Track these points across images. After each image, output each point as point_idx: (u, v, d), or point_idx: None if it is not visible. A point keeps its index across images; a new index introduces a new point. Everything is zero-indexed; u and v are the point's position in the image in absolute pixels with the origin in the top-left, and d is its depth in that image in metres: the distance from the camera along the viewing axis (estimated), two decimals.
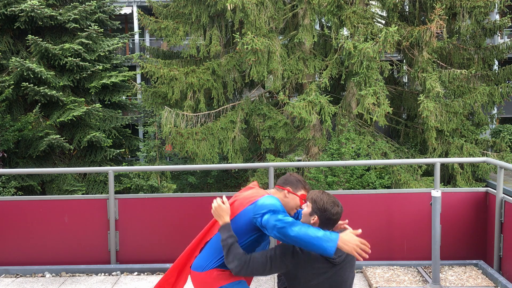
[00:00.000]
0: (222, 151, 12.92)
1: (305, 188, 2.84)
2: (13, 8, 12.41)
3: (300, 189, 2.83)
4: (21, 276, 4.03)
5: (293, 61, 12.55)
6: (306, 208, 2.69)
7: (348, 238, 2.42)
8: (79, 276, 3.98)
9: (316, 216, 2.61)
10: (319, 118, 12.15)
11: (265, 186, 12.33)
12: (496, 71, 14.11)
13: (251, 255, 2.60)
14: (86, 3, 13.38)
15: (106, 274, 4.01)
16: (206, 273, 2.77)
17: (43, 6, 12.59)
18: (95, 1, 13.65)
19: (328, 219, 2.61)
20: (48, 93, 12.20)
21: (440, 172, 4.08)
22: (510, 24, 13.71)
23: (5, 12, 12.57)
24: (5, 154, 11.90)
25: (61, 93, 12.67)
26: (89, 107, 12.75)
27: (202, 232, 2.91)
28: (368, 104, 11.47)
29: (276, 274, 3.41)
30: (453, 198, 4.06)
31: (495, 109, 15.11)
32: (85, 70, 13.11)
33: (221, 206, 2.70)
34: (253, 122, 12.95)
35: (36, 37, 12.41)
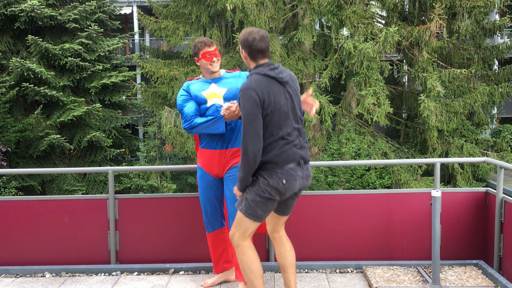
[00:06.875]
0: None
1: (199, 48, 3.17)
2: (13, 8, 12.41)
3: (199, 51, 3.17)
4: (21, 276, 4.03)
5: (293, 61, 12.54)
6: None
7: (226, 114, 3.06)
8: (79, 276, 3.98)
9: (243, 50, 2.81)
10: (319, 118, 12.14)
11: None
12: (496, 71, 14.09)
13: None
14: (86, 3, 13.38)
15: (106, 274, 4.01)
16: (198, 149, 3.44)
17: (43, 6, 12.58)
18: (95, 1, 13.64)
19: (251, 49, 2.75)
20: (48, 93, 12.19)
21: (440, 172, 4.05)
22: (510, 24, 13.69)
23: (5, 12, 12.56)
24: (9, 149, 11.91)
25: (61, 93, 12.66)
26: (89, 107, 12.75)
27: None
28: (368, 104, 11.46)
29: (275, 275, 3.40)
30: (453, 198, 4.05)
31: (495, 109, 15.10)
32: (85, 70, 13.10)
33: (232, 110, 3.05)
34: None
35: (36, 37, 12.40)
